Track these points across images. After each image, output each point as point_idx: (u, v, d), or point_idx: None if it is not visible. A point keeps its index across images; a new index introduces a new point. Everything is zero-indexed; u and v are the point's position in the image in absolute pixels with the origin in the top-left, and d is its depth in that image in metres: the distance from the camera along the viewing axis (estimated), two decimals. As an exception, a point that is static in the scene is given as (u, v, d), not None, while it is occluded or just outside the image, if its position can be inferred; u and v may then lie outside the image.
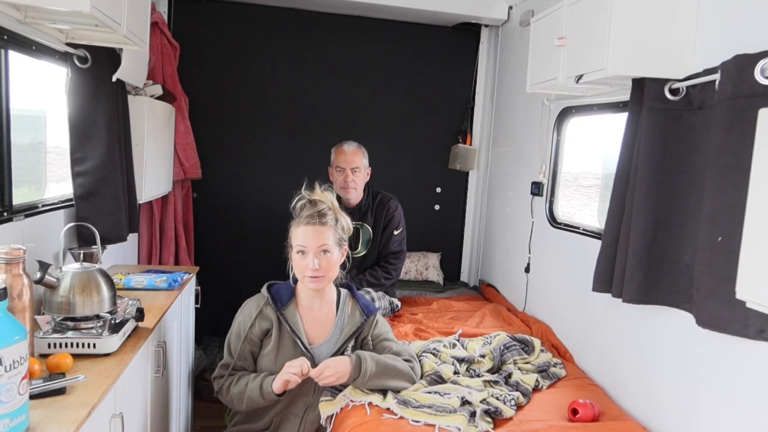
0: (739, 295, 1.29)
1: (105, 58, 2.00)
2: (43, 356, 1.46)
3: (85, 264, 1.64)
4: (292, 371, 1.74)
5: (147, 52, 2.51)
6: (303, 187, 1.93)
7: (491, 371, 2.15)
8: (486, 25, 3.57)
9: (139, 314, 1.74)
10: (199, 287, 2.66)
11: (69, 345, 1.51)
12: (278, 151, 3.49)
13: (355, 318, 1.97)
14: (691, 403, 1.70)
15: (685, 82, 1.71)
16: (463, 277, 3.81)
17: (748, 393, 1.50)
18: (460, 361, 2.14)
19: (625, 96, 1.89)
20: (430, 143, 3.67)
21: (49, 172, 2.22)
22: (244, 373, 1.88)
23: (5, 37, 1.60)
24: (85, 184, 1.99)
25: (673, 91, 1.73)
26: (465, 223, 3.79)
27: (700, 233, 1.57)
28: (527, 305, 2.89)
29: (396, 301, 2.84)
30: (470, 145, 3.63)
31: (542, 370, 2.18)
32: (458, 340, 2.35)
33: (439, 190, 3.74)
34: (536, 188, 2.83)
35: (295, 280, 1.95)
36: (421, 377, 1.98)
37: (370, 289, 2.74)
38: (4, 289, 1.11)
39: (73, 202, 2.02)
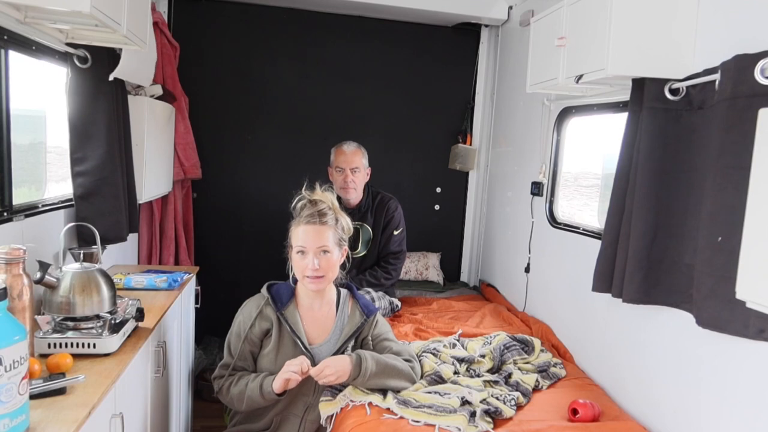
0: (739, 295, 1.29)
1: (105, 58, 2.00)
2: (43, 356, 1.46)
3: (85, 264, 1.64)
4: (292, 369, 1.74)
5: (155, 52, 2.52)
6: (303, 188, 1.93)
7: (491, 371, 2.15)
8: (486, 25, 3.57)
9: (139, 314, 1.74)
10: (199, 287, 2.66)
11: (69, 345, 1.51)
12: (278, 151, 3.49)
13: (355, 318, 1.97)
14: (691, 403, 1.70)
15: (685, 82, 1.71)
16: (463, 277, 3.81)
17: (748, 393, 1.50)
18: (460, 361, 2.14)
19: (625, 96, 1.89)
20: (430, 143, 3.67)
21: (49, 172, 2.22)
22: (244, 374, 1.88)
23: (5, 37, 1.60)
24: (85, 184, 1.99)
25: (673, 91, 1.73)
26: (465, 223, 3.79)
27: (700, 233, 1.57)
28: (527, 305, 2.89)
29: (396, 301, 2.84)
30: (470, 145, 3.63)
31: (542, 370, 2.18)
32: (458, 340, 2.35)
33: (439, 190, 3.74)
34: (536, 188, 2.83)
35: (295, 280, 1.95)
36: (421, 377, 1.98)
37: (370, 289, 2.74)
38: (4, 289, 1.11)
39: (73, 202, 2.02)
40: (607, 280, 1.91)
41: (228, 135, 3.42)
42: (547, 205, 2.75)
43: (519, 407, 1.90)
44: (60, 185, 2.22)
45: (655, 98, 1.74)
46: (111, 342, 1.54)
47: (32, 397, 1.21)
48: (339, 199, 2.79)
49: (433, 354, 2.16)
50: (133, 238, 2.76)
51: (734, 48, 1.47)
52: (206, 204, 3.39)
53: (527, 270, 2.90)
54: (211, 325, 3.06)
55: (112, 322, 1.62)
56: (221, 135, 3.40)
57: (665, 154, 1.74)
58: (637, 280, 1.78)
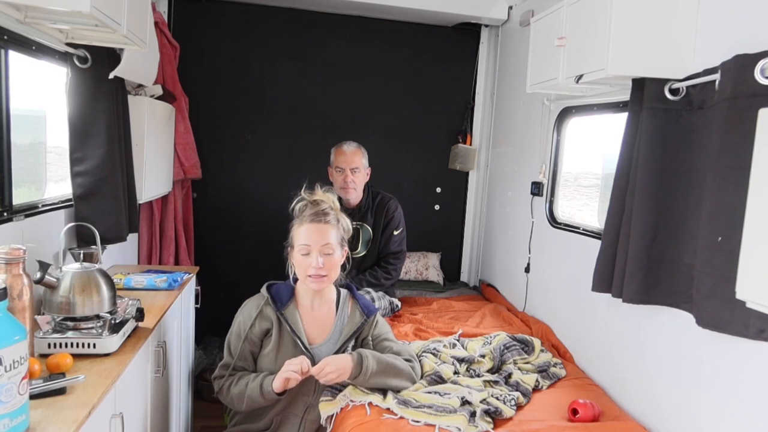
0: (739, 295, 1.29)
1: (105, 58, 2.00)
2: (43, 356, 1.46)
3: (85, 264, 1.64)
4: (293, 369, 1.74)
5: (157, 51, 2.52)
6: (303, 189, 1.94)
7: (491, 371, 2.15)
8: (486, 25, 3.57)
9: (139, 314, 1.74)
10: (199, 287, 2.66)
11: (69, 345, 1.51)
12: (278, 151, 3.49)
13: (356, 318, 1.97)
14: (691, 403, 1.70)
15: (685, 82, 1.71)
16: (463, 277, 3.81)
17: (748, 393, 1.50)
18: (460, 361, 2.14)
19: (625, 96, 1.89)
20: (430, 143, 3.67)
21: (49, 172, 2.22)
22: (244, 373, 1.88)
23: (5, 37, 1.60)
24: (84, 184, 1.99)
25: (673, 91, 1.73)
26: (465, 223, 3.79)
27: (700, 233, 1.57)
28: (527, 305, 2.89)
29: (396, 301, 2.84)
30: (470, 145, 3.63)
31: (542, 370, 2.18)
32: (458, 340, 2.35)
33: (439, 190, 3.74)
34: (536, 188, 2.83)
35: (295, 280, 1.95)
36: (421, 377, 1.98)
37: (370, 289, 2.74)
38: (4, 289, 1.11)
39: (73, 202, 2.02)
40: (607, 280, 1.91)
41: (228, 135, 3.42)
42: (547, 205, 2.75)
43: (519, 407, 1.90)
44: (60, 185, 2.22)
45: (655, 98, 1.74)
46: (111, 342, 1.54)
47: (32, 397, 1.21)
48: (339, 199, 2.79)
49: (433, 354, 2.16)
50: (133, 238, 2.76)
51: (734, 48, 1.47)
52: (206, 204, 3.39)
53: (527, 270, 2.90)
54: (211, 325, 3.06)
55: (112, 322, 1.62)
56: (221, 135, 3.40)
57: (665, 154, 1.74)
58: (637, 280, 1.78)
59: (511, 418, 1.81)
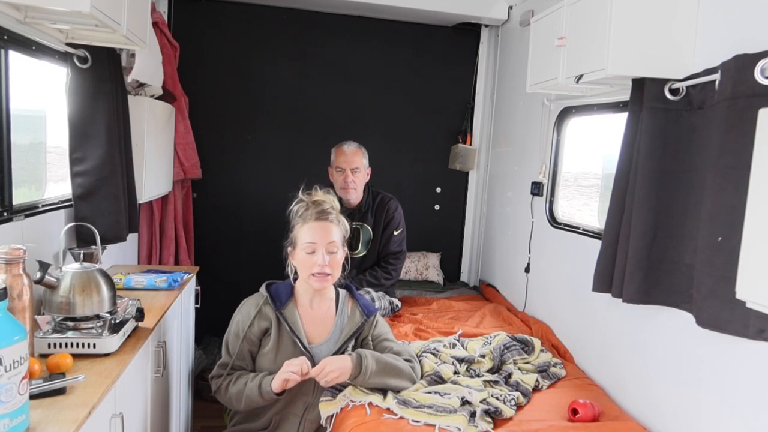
0: (739, 295, 1.29)
1: (105, 58, 2.00)
2: (43, 356, 1.46)
3: (85, 264, 1.64)
4: (292, 370, 1.74)
5: (159, 52, 2.52)
6: (300, 191, 1.94)
7: (491, 371, 2.15)
8: (486, 25, 3.57)
9: (139, 314, 1.74)
10: (199, 287, 2.66)
11: (69, 345, 1.51)
12: (278, 151, 3.49)
13: (356, 318, 1.97)
14: (691, 403, 1.70)
15: (685, 82, 1.71)
16: (463, 277, 3.81)
17: (748, 393, 1.50)
18: (460, 361, 2.14)
19: (625, 96, 1.89)
20: (430, 143, 3.67)
21: (49, 172, 2.22)
22: (242, 373, 1.88)
23: (5, 37, 1.60)
24: (84, 184, 1.99)
25: (673, 91, 1.73)
26: (465, 223, 3.79)
27: (700, 233, 1.57)
28: (527, 305, 2.89)
29: (396, 301, 2.84)
30: (470, 145, 3.63)
31: (542, 370, 2.18)
32: (458, 340, 2.35)
33: (439, 190, 3.74)
34: (536, 188, 2.83)
35: (294, 279, 1.95)
36: (421, 377, 1.98)
37: (370, 289, 2.74)
38: (4, 289, 1.11)
39: (73, 202, 2.02)
40: (607, 280, 1.91)
41: (228, 135, 3.42)
42: (547, 205, 2.75)
43: (519, 407, 1.90)
44: (60, 185, 2.22)
45: (655, 98, 1.74)
46: (111, 342, 1.54)
47: (32, 397, 1.21)
48: (339, 200, 2.80)
49: (433, 354, 2.16)
50: (133, 238, 2.76)
51: (734, 48, 1.47)
52: (206, 204, 3.39)
53: (527, 270, 2.90)
54: (211, 325, 3.06)
55: (112, 322, 1.62)
56: (221, 135, 3.40)
57: (665, 154, 1.74)
58: (637, 280, 1.78)
59: (511, 418, 1.81)
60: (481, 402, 1.82)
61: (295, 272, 1.94)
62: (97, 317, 1.60)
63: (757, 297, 1.23)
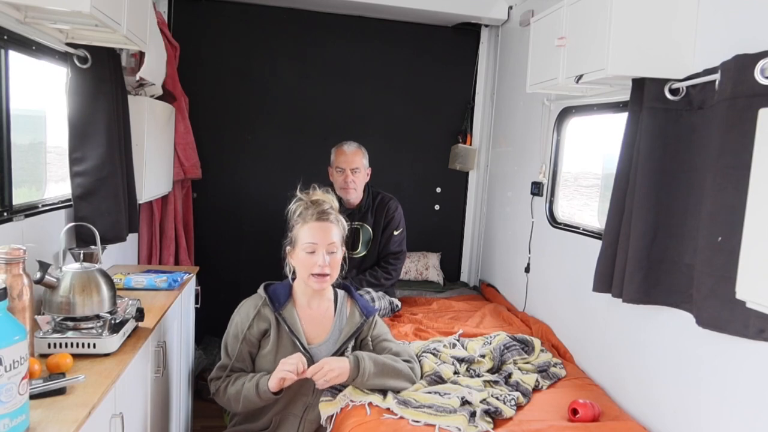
0: (739, 295, 1.29)
1: (105, 58, 2.00)
2: (43, 356, 1.46)
3: (85, 264, 1.64)
4: (288, 369, 1.74)
5: (164, 50, 2.52)
6: (298, 189, 1.94)
7: (491, 371, 2.15)
8: (486, 25, 3.57)
9: (139, 314, 1.74)
10: (199, 287, 2.66)
11: (69, 345, 1.51)
12: (278, 151, 3.49)
13: (355, 318, 1.97)
14: (691, 403, 1.70)
15: (685, 82, 1.71)
16: (463, 277, 3.81)
17: (748, 393, 1.50)
18: (460, 361, 2.14)
19: (625, 96, 1.89)
20: (430, 143, 3.67)
21: (49, 172, 2.22)
22: (241, 374, 1.87)
23: (5, 37, 1.60)
24: (83, 184, 1.99)
25: (673, 91, 1.73)
26: (465, 223, 3.79)
27: (700, 233, 1.57)
28: (527, 305, 2.89)
29: (396, 301, 2.84)
30: (470, 145, 3.63)
31: (542, 370, 2.18)
32: (458, 340, 2.35)
33: (439, 190, 3.74)
34: (536, 188, 2.83)
35: (293, 279, 1.95)
36: (421, 377, 1.98)
37: (369, 289, 2.74)
38: (4, 289, 1.11)
39: (73, 202, 2.02)
40: (607, 280, 1.91)
41: (228, 135, 3.42)
42: (547, 205, 2.75)
43: (519, 407, 1.90)
44: (60, 185, 2.22)
45: (655, 98, 1.74)
46: (111, 342, 1.54)
47: (32, 397, 1.21)
48: (339, 200, 2.80)
49: (433, 354, 2.16)
50: (133, 238, 2.76)
51: (734, 48, 1.47)
52: (206, 204, 3.39)
53: (527, 270, 2.90)
54: (211, 325, 3.06)
55: (112, 322, 1.62)
56: (221, 135, 3.40)
57: (665, 154, 1.74)
58: (637, 280, 1.78)
59: (511, 418, 1.81)
60: (481, 402, 1.82)
61: (293, 272, 1.94)
62: (97, 317, 1.60)
63: (757, 297, 1.23)
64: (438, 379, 1.97)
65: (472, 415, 1.74)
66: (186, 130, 3.03)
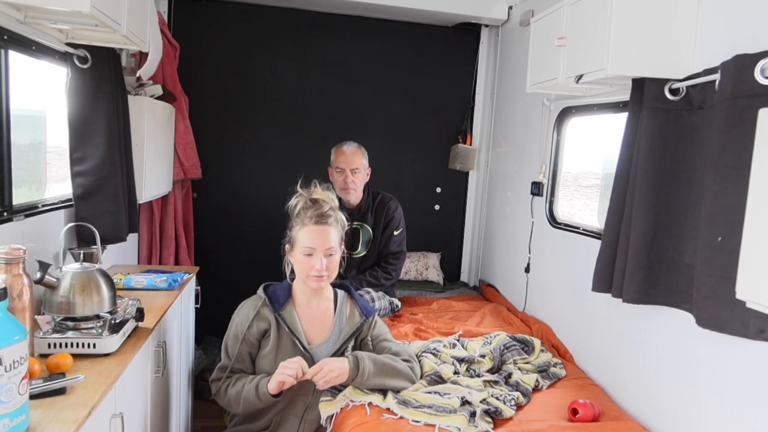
0: (739, 295, 1.28)
1: (105, 58, 2.00)
2: (43, 356, 1.46)
3: (85, 264, 1.64)
4: (288, 373, 1.74)
5: (160, 48, 2.52)
6: (299, 185, 1.93)
7: (491, 371, 2.15)
8: (486, 25, 3.57)
9: (139, 314, 1.74)
10: (199, 287, 2.66)
11: (69, 345, 1.51)
12: (278, 151, 3.49)
13: (355, 318, 1.97)
14: (691, 403, 1.70)
15: (685, 82, 1.71)
16: (463, 277, 3.81)
17: (748, 393, 1.50)
18: (460, 361, 2.14)
19: (625, 96, 1.89)
20: (430, 143, 3.67)
21: (49, 172, 2.22)
22: (241, 375, 1.87)
23: (5, 37, 1.60)
24: (84, 184, 1.99)
25: (673, 91, 1.73)
26: (465, 223, 3.79)
27: (700, 233, 1.57)
28: (527, 305, 2.89)
29: (396, 301, 2.84)
30: (470, 145, 3.63)
31: (542, 370, 2.18)
32: (458, 340, 2.35)
33: (439, 190, 3.74)
34: (536, 188, 2.83)
35: (292, 279, 1.95)
36: (421, 377, 1.98)
37: (369, 289, 2.74)
38: (4, 289, 1.11)
39: (73, 202, 2.02)
40: (607, 279, 1.91)
41: (228, 135, 3.42)
42: (547, 205, 2.75)
43: (519, 407, 1.90)
44: (60, 185, 2.22)
45: (655, 98, 1.74)
46: (111, 342, 1.54)
47: (32, 397, 1.20)
48: (339, 199, 2.79)
49: (433, 354, 2.16)
50: (133, 238, 2.76)
51: (734, 48, 1.47)
52: (206, 204, 3.39)
53: (527, 270, 2.90)
54: (211, 325, 3.06)
55: (112, 322, 1.62)
56: (221, 135, 3.40)
57: (665, 154, 1.74)
58: (637, 280, 1.78)
59: (511, 418, 1.81)
60: (481, 402, 1.82)
61: (292, 271, 1.94)
62: (97, 317, 1.60)
63: (757, 297, 1.23)
64: (438, 379, 1.97)
65: (472, 415, 1.74)
66: (186, 130, 3.03)
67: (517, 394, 1.94)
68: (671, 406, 1.79)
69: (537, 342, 2.36)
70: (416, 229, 3.36)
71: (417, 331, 2.54)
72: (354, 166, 2.78)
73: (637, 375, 1.98)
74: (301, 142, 3.49)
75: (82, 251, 1.92)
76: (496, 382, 2.03)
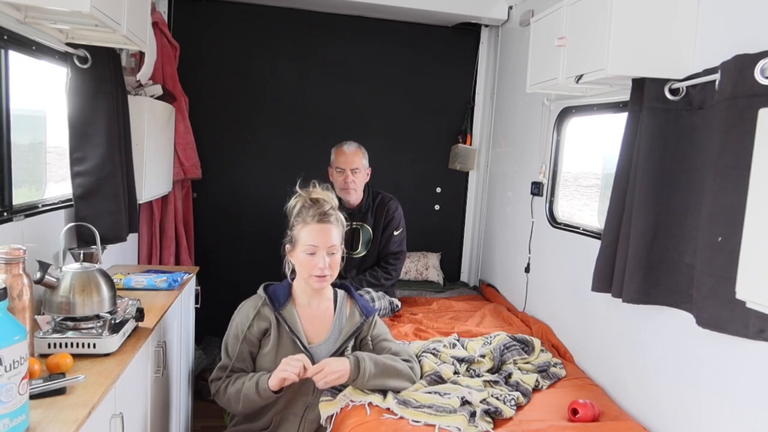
0: (739, 295, 1.28)
1: (105, 58, 2.00)
2: (43, 356, 1.46)
3: (85, 264, 1.64)
4: (291, 370, 1.74)
5: (154, 51, 2.53)
6: (297, 185, 1.93)
7: (491, 371, 2.15)
8: (486, 25, 3.57)
9: (139, 314, 1.74)
10: (199, 287, 2.66)
11: (69, 345, 1.51)
12: (278, 151, 3.49)
13: (355, 318, 1.97)
14: (691, 403, 1.70)
15: (685, 82, 1.71)
16: (463, 277, 3.81)
17: (748, 393, 1.50)
18: (460, 361, 2.14)
19: (625, 96, 1.89)
20: (430, 143, 3.67)
21: (49, 172, 2.22)
22: (241, 374, 1.87)
23: (5, 37, 1.60)
24: (84, 184, 1.99)
25: (673, 91, 1.73)
26: (465, 223, 3.79)
27: (700, 233, 1.57)
28: (527, 305, 2.89)
29: (396, 301, 2.84)
30: (470, 145, 3.63)
31: (542, 370, 2.18)
32: (458, 340, 2.35)
33: (439, 190, 3.74)
34: (536, 188, 2.83)
35: (292, 278, 1.95)
36: (421, 377, 1.98)
37: (370, 289, 2.73)
38: (4, 289, 1.11)
39: (73, 202, 2.02)
40: (606, 279, 1.91)
41: (228, 135, 3.42)
42: (547, 205, 2.75)
43: (519, 407, 1.90)
44: (60, 185, 2.22)
45: (655, 98, 1.74)
46: (111, 342, 1.54)
47: (32, 397, 1.20)
48: (339, 200, 2.79)
49: (433, 354, 2.16)
50: (133, 238, 2.76)
51: (734, 48, 1.47)
52: (206, 204, 3.39)
53: (527, 270, 2.90)
54: (211, 325, 3.06)
55: (112, 322, 1.62)
56: (221, 135, 3.40)
57: (665, 154, 1.74)
58: (637, 280, 1.78)
59: (511, 418, 1.81)
60: (481, 402, 1.82)
61: (292, 271, 1.94)
62: (97, 317, 1.60)
63: (757, 297, 1.23)
64: (438, 379, 1.97)
65: (472, 415, 1.74)
66: (186, 130, 3.03)
67: (517, 394, 1.94)
68: (671, 406, 1.79)
69: (537, 342, 2.36)
70: (416, 229, 3.36)
71: (417, 331, 2.54)
72: (354, 166, 2.78)
73: (637, 375, 1.98)
74: (301, 142, 3.49)
75: (82, 251, 1.92)
76: (496, 382, 2.03)
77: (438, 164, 3.68)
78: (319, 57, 3.48)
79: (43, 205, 1.93)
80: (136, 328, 1.72)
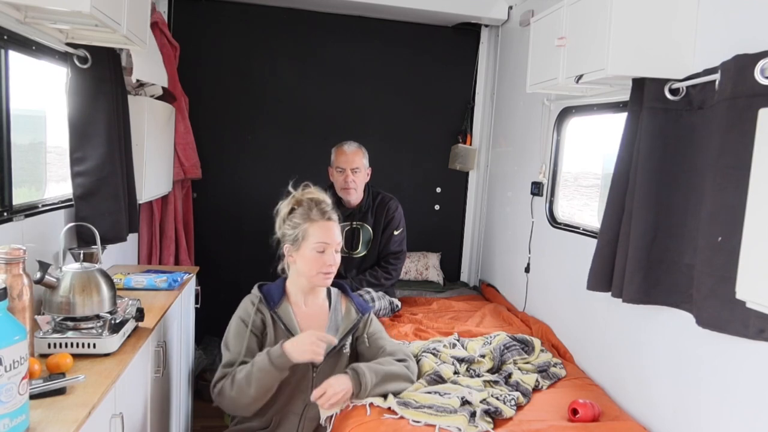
0: (739, 295, 1.29)
1: (105, 58, 2.00)
2: (43, 356, 1.46)
3: (85, 264, 1.64)
4: (320, 352, 1.71)
5: (157, 51, 2.53)
6: (290, 186, 1.93)
7: (491, 371, 2.15)
8: (486, 25, 3.57)
9: (139, 314, 1.74)
10: (199, 287, 2.66)
11: (69, 345, 1.51)
12: (278, 151, 3.49)
13: (351, 315, 1.97)
14: (691, 403, 1.70)
15: (685, 82, 1.71)
16: (463, 277, 3.81)
17: (748, 393, 1.50)
18: (460, 361, 2.14)
19: (625, 96, 1.89)
20: (430, 143, 3.67)
21: (49, 172, 2.22)
22: (242, 366, 1.85)
23: (5, 37, 1.60)
24: (84, 184, 1.99)
25: (673, 91, 1.73)
26: (465, 223, 3.80)
27: (700, 233, 1.57)
28: (527, 305, 2.89)
29: (396, 301, 2.84)
30: (470, 145, 3.63)
31: (542, 370, 2.18)
32: (458, 340, 2.35)
33: (439, 190, 3.74)
34: (536, 188, 2.83)
35: (285, 278, 1.94)
36: (421, 377, 1.98)
37: (370, 289, 2.73)
38: (4, 289, 1.11)
39: (73, 202, 2.02)
40: (602, 278, 1.91)
41: (228, 135, 3.42)
42: (547, 205, 2.75)
43: (519, 407, 1.90)
44: (60, 185, 2.22)
45: (655, 98, 1.74)
46: (111, 342, 1.54)
47: (32, 397, 1.21)
48: (339, 199, 2.80)
49: (433, 354, 2.16)
50: (133, 238, 2.76)
51: (734, 48, 1.47)
52: (206, 204, 3.39)
53: (527, 270, 2.90)
54: (211, 325, 3.05)
55: (112, 322, 1.62)
56: (221, 135, 3.40)
57: (665, 154, 1.74)
58: (637, 280, 1.78)
59: (511, 418, 1.81)
60: (481, 402, 1.82)
61: (283, 270, 1.94)
62: (97, 317, 1.60)
63: (757, 297, 1.23)
64: (438, 379, 1.97)
65: (472, 415, 1.74)
66: (186, 130, 3.03)
67: (517, 394, 1.94)
68: (671, 406, 1.79)
69: (537, 342, 2.36)
70: (416, 229, 3.36)
71: (417, 331, 2.54)
72: (354, 166, 2.78)
73: (637, 375, 1.98)
74: (301, 142, 3.50)
75: (82, 251, 1.92)
76: (496, 382, 2.03)
77: (438, 164, 3.68)
78: (319, 57, 3.48)
79: (43, 205, 1.93)
80: (136, 328, 1.72)
